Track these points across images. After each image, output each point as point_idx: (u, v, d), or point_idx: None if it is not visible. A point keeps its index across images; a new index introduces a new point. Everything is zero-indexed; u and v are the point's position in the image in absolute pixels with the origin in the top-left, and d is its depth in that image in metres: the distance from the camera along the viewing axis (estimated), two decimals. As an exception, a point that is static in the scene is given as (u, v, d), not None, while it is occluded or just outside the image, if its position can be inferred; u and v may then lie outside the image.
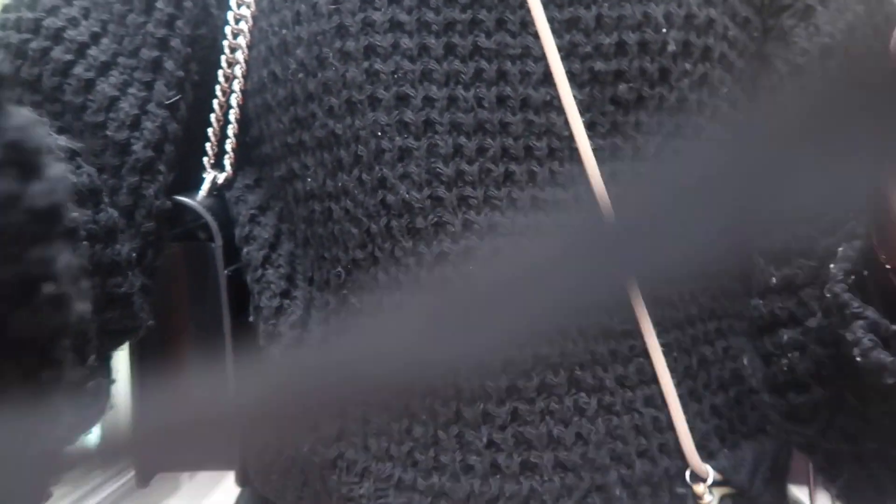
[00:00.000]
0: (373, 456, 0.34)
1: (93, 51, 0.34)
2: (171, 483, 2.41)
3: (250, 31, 0.37)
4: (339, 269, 0.35)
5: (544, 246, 0.18)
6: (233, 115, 0.38)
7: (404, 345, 0.16)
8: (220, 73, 0.37)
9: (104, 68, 0.34)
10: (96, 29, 0.35)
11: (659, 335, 0.33)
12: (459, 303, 0.17)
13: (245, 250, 0.37)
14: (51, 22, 0.34)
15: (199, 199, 0.38)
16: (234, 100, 0.38)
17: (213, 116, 0.38)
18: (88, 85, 0.34)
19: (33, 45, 0.34)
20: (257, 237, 0.37)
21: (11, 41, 0.34)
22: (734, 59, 0.35)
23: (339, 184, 0.34)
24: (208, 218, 0.37)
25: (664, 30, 0.33)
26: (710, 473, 0.33)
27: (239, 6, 0.37)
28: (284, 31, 0.35)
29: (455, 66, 0.32)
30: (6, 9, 0.36)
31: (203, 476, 2.63)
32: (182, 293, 0.40)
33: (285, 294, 0.36)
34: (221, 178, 0.38)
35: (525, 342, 0.32)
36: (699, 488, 0.33)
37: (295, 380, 0.17)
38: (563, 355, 0.32)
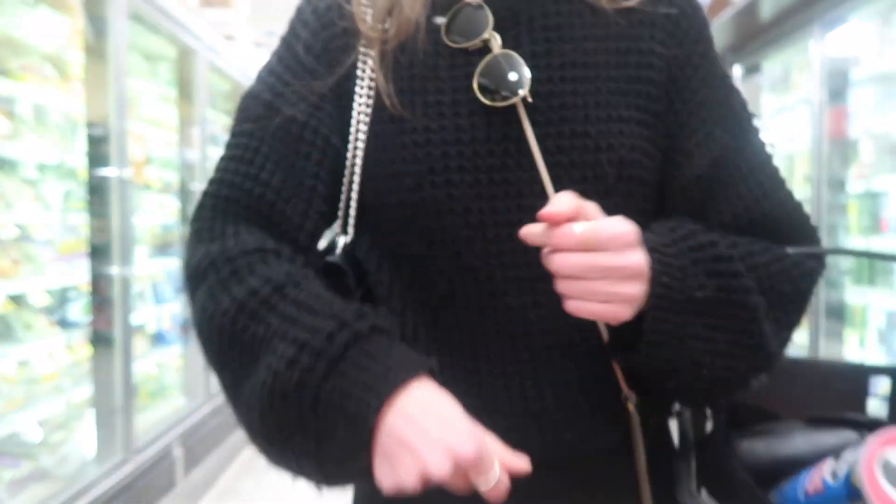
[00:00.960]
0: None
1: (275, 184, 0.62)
2: (166, 482, 2.46)
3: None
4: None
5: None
6: (353, 203, 0.65)
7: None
8: (345, 178, 0.65)
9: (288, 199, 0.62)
10: (279, 177, 0.62)
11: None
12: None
13: (376, 293, 0.64)
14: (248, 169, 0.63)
15: (338, 255, 0.64)
16: (354, 192, 0.65)
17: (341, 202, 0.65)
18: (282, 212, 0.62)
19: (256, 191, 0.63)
20: (382, 282, 0.65)
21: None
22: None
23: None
24: (350, 273, 0.63)
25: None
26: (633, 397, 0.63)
27: (356, 140, 0.64)
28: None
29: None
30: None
31: (197, 476, 2.67)
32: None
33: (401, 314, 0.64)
34: (348, 239, 0.65)
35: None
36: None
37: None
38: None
